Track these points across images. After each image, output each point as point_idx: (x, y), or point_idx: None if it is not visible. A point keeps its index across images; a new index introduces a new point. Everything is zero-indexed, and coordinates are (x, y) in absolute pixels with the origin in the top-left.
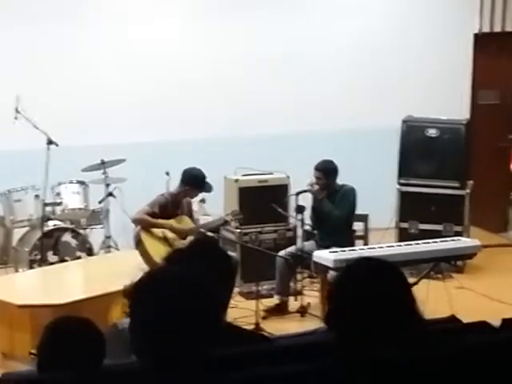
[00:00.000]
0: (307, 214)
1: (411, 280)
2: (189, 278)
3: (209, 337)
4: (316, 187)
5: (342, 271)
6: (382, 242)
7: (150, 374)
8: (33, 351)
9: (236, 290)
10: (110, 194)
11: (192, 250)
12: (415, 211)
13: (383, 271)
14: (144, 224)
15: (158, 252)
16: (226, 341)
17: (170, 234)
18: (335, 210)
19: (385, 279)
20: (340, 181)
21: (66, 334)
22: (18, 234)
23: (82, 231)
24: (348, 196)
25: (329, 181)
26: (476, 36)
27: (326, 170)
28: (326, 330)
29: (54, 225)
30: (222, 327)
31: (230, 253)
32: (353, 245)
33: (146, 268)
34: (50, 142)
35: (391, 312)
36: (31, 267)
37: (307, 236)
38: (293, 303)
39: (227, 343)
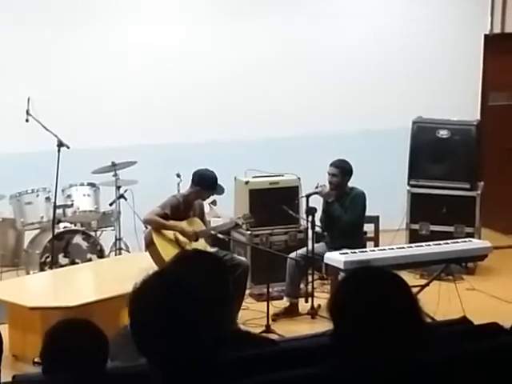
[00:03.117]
0: (318, 215)
1: (422, 281)
2: (179, 282)
3: (206, 342)
4: (326, 189)
5: (341, 281)
6: (392, 243)
7: (157, 377)
8: (36, 359)
9: (247, 291)
10: (121, 196)
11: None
12: (426, 212)
13: (383, 280)
14: (155, 225)
15: (170, 254)
16: (234, 346)
17: (181, 236)
18: (344, 215)
19: (385, 288)
20: (351, 182)
21: (64, 339)
22: (28, 236)
23: (92, 233)
24: (358, 200)
25: (344, 179)
26: (487, 37)
27: (343, 168)
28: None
29: (65, 227)
30: (225, 332)
31: (240, 257)
32: (364, 247)
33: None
34: (60, 145)
35: (394, 321)
36: (42, 269)
37: (318, 238)
38: (303, 305)
39: (235, 349)
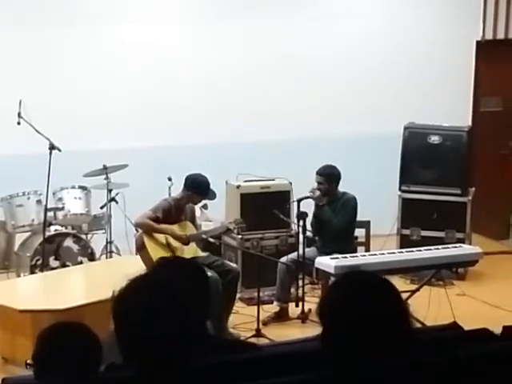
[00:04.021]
0: (309, 220)
1: (413, 287)
2: (161, 285)
3: (186, 346)
4: (317, 193)
5: (331, 286)
6: (383, 248)
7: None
8: (29, 361)
9: (237, 295)
10: (112, 200)
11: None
12: (417, 218)
13: (373, 284)
14: (146, 228)
15: None
16: (221, 353)
17: (172, 240)
18: (335, 219)
19: (374, 293)
20: (342, 187)
21: (58, 341)
22: (19, 239)
23: (83, 236)
24: (349, 205)
25: (330, 186)
26: (479, 43)
27: (328, 175)
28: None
29: (56, 230)
30: (205, 337)
31: (231, 264)
32: (355, 251)
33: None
34: (52, 147)
35: (383, 326)
36: (33, 272)
37: (309, 242)
38: (294, 309)
39: (222, 355)
